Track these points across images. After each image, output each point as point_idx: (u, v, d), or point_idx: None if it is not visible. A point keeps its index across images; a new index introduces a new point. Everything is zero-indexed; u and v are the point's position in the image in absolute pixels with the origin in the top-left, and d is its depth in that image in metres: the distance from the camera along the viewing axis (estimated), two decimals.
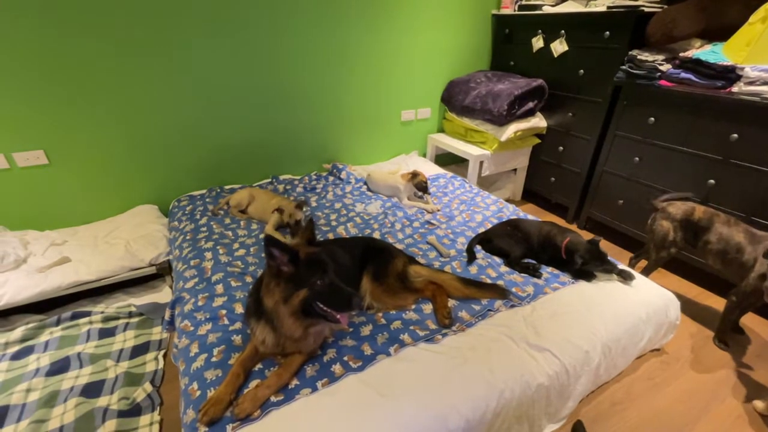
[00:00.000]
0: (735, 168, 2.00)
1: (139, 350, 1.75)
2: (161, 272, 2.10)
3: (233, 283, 1.66)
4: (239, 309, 1.53)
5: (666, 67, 2.20)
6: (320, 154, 2.97)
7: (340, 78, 2.77)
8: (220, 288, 1.63)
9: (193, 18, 2.18)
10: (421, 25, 2.90)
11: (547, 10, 2.79)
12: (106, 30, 2.02)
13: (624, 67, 2.36)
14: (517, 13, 3.02)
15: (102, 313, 1.91)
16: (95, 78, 2.08)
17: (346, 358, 1.32)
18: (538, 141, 3.05)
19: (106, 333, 1.82)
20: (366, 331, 1.44)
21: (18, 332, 1.76)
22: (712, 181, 2.09)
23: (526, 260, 1.90)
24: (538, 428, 1.38)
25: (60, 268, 1.93)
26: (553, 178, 3.02)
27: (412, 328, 1.45)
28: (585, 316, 1.54)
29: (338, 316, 1.19)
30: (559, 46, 2.71)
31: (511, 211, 2.37)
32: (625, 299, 1.65)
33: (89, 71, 2.06)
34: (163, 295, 2.12)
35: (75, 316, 1.88)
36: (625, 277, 1.74)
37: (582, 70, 2.62)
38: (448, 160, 3.54)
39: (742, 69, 1.91)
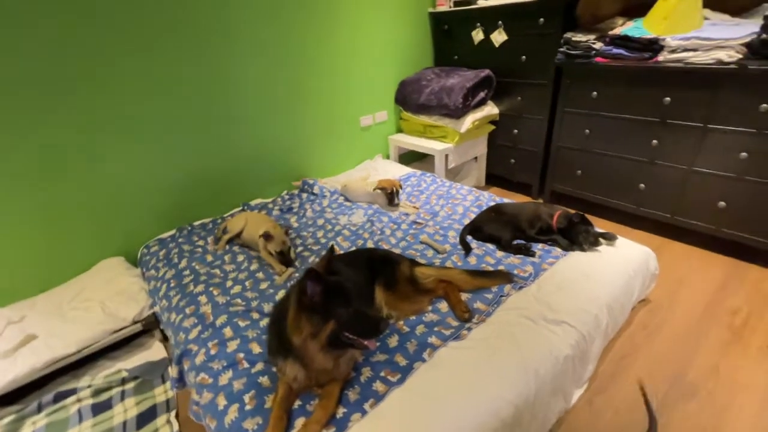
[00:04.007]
0: (672, 127, 2.25)
1: (146, 417, 1.60)
2: (148, 327, 1.93)
3: (241, 323, 1.57)
4: (257, 349, 1.45)
5: (599, 45, 2.42)
6: (287, 173, 2.88)
7: (294, 95, 2.71)
8: (228, 331, 1.53)
9: (130, 53, 2.03)
10: (364, 32, 2.92)
11: (482, 3, 2.94)
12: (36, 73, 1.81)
13: (562, 49, 2.55)
14: (452, 9, 3.15)
15: (89, 386, 1.72)
16: (35, 127, 1.87)
17: (383, 374, 1.31)
18: (493, 127, 3.20)
19: (100, 408, 1.64)
20: (393, 342, 1.44)
21: None
22: (655, 141, 2.34)
23: (516, 242, 2.00)
24: (569, 397, 1.47)
25: (29, 348, 1.70)
26: (512, 160, 3.19)
27: (436, 329, 1.47)
28: (586, 283, 1.66)
29: (366, 343, 1.18)
30: (498, 37, 2.87)
31: (488, 198, 2.47)
32: (613, 260, 1.80)
33: (15, 120, 1.84)
34: (153, 352, 1.95)
35: (58, 398, 1.67)
36: (609, 238, 1.90)
37: (524, 56, 2.80)
38: (410, 159, 3.61)
39: (664, 40, 2.16)
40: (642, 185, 2.47)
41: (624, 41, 2.29)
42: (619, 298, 1.67)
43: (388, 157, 3.46)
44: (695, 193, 2.27)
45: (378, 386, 1.27)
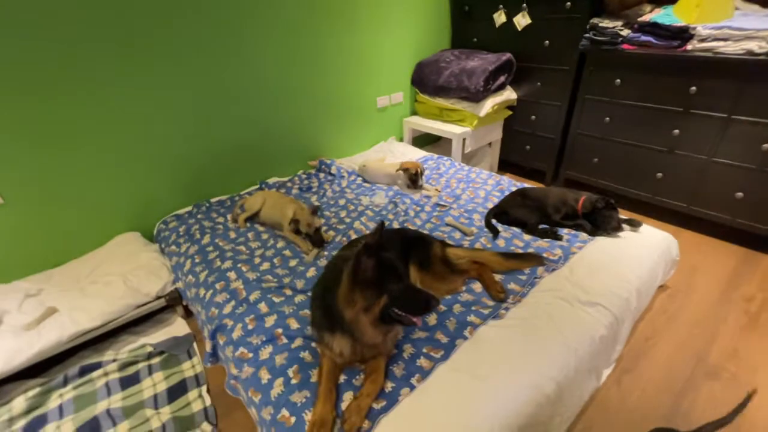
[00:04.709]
0: (695, 117, 2.27)
1: (177, 391, 1.59)
2: (171, 303, 1.90)
3: (275, 299, 1.56)
4: (294, 324, 1.44)
5: (626, 32, 2.40)
6: (303, 152, 2.84)
7: (315, 73, 2.64)
8: (263, 307, 1.52)
9: (158, 29, 1.94)
10: (384, 11, 2.84)
11: None
12: (66, 42, 1.73)
13: (588, 35, 2.53)
14: None
15: (114, 360, 1.70)
16: (53, 99, 1.79)
17: (425, 350, 1.32)
18: (510, 113, 3.19)
19: (129, 381, 1.62)
20: (432, 320, 1.45)
21: (20, 402, 1.50)
22: (676, 131, 2.35)
23: (541, 226, 2.01)
24: (600, 376, 1.51)
25: (52, 321, 1.67)
26: (528, 146, 3.19)
27: (473, 308, 1.48)
28: (616, 267, 1.68)
29: (414, 319, 1.18)
30: (522, 20, 2.82)
31: (508, 183, 2.47)
32: (639, 246, 1.82)
33: (45, 90, 1.76)
34: (176, 327, 1.93)
35: (84, 371, 1.64)
36: (634, 225, 1.92)
37: (547, 41, 2.77)
38: (422, 142, 3.58)
39: (695, 28, 2.15)
40: (660, 174, 2.50)
41: (653, 28, 2.28)
42: (646, 282, 1.70)
43: (401, 140, 3.43)
44: (713, 184, 2.31)
45: (422, 362, 1.27)
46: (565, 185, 3.02)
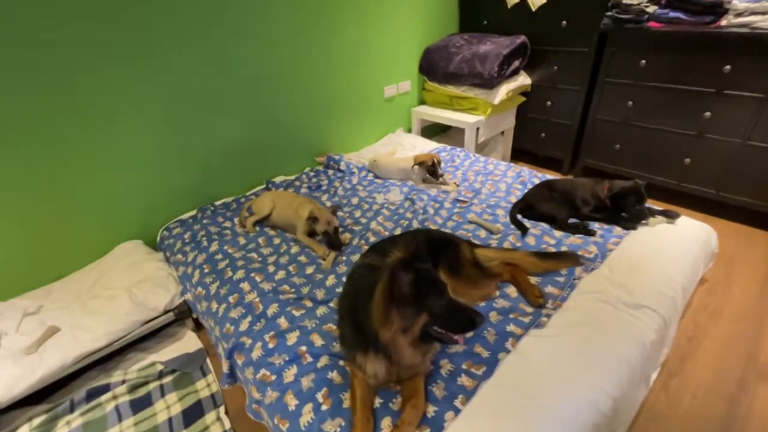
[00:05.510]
0: (729, 98, 2.13)
1: (193, 413, 1.48)
2: (180, 317, 1.78)
3: (295, 313, 1.44)
4: (318, 341, 1.33)
5: (652, 9, 2.25)
6: (309, 149, 2.69)
7: (318, 65, 2.48)
8: (283, 323, 1.40)
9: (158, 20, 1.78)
10: None
11: None
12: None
13: (610, 13, 2.37)
14: None
15: (123, 382, 1.58)
16: (46, 96, 1.64)
17: (465, 366, 1.20)
18: (523, 99, 3.04)
19: (140, 404, 1.51)
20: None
21: None
22: (707, 113, 2.22)
23: (571, 221, 1.89)
24: (648, 382, 1.40)
25: (54, 342, 1.54)
26: (543, 134, 3.05)
27: (512, 316, 1.37)
28: (658, 263, 1.56)
29: (456, 337, 1.06)
30: None
31: (529, 174, 2.34)
32: (679, 239, 1.71)
33: (36, 85, 1.61)
34: (186, 342, 1.81)
35: (91, 395, 1.53)
36: (671, 216, 1.80)
37: (564, 21, 2.61)
38: (431, 133, 3.43)
39: (730, 2, 2.00)
40: (687, 160, 2.37)
41: (683, 3, 2.12)
42: (689, 278, 1.59)
43: (409, 131, 3.28)
44: (747, 168, 2.19)
45: (464, 381, 1.16)
46: (583, 174, 2.90)
